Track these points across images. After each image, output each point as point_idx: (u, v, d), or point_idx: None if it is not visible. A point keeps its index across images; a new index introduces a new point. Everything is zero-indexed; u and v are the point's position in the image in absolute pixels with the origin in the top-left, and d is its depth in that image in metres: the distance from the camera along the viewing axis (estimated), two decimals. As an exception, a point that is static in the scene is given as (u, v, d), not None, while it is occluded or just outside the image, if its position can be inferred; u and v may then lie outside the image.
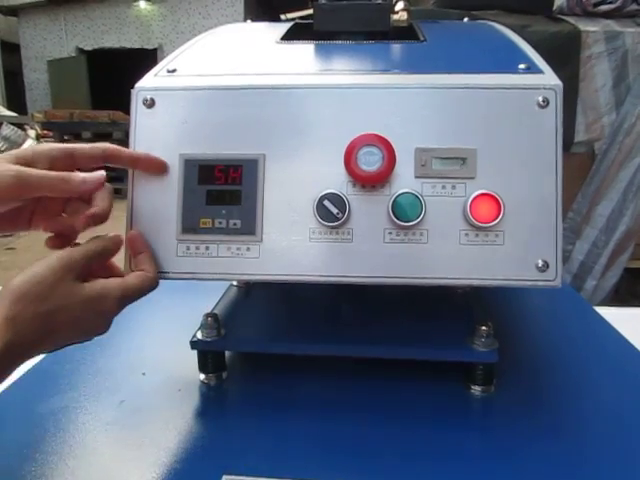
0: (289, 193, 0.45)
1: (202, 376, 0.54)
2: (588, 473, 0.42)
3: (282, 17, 0.76)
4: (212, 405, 0.52)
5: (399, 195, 0.43)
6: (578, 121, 1.94)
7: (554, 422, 0.48)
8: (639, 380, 0.56)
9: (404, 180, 0.44)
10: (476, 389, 0.52)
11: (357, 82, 0.46)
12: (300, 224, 0.45)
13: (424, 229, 0.44)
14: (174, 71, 0.50)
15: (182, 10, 8.21)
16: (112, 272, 0.44)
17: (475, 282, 0.44)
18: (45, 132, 5.45)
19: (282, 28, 0.64)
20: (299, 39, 0.59)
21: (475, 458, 0.44)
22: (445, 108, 0.44)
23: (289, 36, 0.61)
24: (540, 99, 0.44)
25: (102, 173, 0.42)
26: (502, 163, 0.44)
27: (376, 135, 0.43)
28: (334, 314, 0.60)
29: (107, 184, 0.43)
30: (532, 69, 0.47)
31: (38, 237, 0.42)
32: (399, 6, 0.61)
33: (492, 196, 0.43)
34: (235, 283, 0.66)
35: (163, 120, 0.46)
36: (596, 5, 1.95)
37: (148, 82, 0.48)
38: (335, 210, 0.44)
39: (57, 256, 0.38)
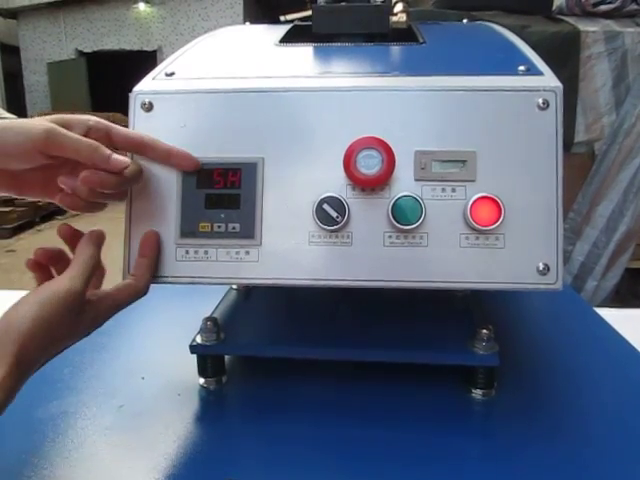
0: (288, 196, 0.45)
1: (202, 380, 0.54)
2: (590, 476, 0.42)
3: (281, 18, 0.76)
4: (212, 409, 0.52)
5: (399, 198, 0.43)
6: (578, 121, 1.94)
7: (555, 425, 0.48)
8: (640, 382, 0.55)
9: (404, 183, 0.44)
10: (477, 393, 0.52)
11: (356, 85, 0.46)
12: (299, 228, 0.44)
13: (424, 232, 0.43)
14: (172, 74, 0.49)
15: (181, 12, 8.24)
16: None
17: (475, 286, 0.44)
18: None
19: (281, 30, 0.64)
20: (298, 41, 0.59)
21: (476, 462, 0.44)
22: (444, 110, 0.44)
23: (288, 38, 0.61)
24: (540, 101, 0.43)
25: (128, 160, 0.42)
26: (502, 166, 0.43)
27: (375, 138, 0.43)
28: (334, 318, 0.59)
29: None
30: (532, 71, 0.46)
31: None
32: (398, 7, 0.60)
33: (492, 199, 0.42)
34: (234, 287, 0.66)
35: (161, 124, 0.46)
36: (595, 5, 1.94)
37: (146, 86, 0.48)
38: (334, 214, 0.43)
39: (63, 296, 0.37)
